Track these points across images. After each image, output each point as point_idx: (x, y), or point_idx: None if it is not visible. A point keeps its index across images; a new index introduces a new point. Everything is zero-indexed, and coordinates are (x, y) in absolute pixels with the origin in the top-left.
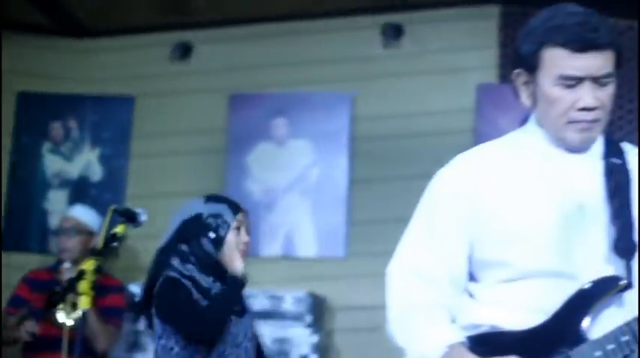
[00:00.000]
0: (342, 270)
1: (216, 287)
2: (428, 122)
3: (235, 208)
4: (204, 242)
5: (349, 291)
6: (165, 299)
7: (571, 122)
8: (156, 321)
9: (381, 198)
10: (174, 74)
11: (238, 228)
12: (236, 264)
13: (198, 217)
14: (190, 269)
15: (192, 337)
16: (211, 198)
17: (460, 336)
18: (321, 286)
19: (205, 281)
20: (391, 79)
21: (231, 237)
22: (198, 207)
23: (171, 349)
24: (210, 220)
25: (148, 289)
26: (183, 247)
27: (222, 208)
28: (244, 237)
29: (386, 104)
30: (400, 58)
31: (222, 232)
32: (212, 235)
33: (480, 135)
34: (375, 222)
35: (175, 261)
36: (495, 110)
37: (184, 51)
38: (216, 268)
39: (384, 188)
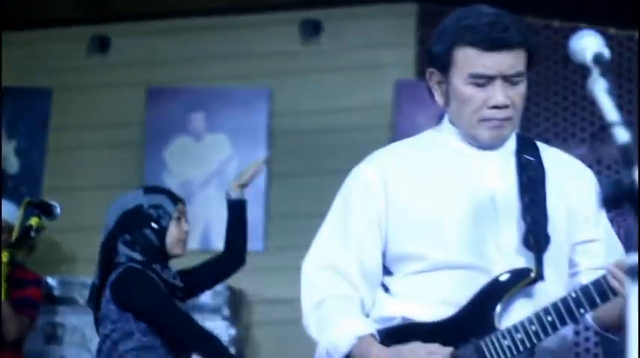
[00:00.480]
0: (260, 264)
1: (165, 274)
2: (346, 118)
3: (175, 198)
4: (147, 233)
5: (267, 285)
6: (131, 288)
7: (482, 120)
8: (111, 308)
9: (299, 193)
10: (92, 67)
11: (179, 218)
12: (177, 253)
13: (138, 208)
14: (137, 256)
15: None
16: (150, 189)
17: (371, 328)
18: (239, 279)
19: (155, 268)
20: (309, 74)
21: (172, 227)
22: (138, 198)
23: (132, 333)
24: (152, 211)
25: (100, 282)
26: (127, 237)
27: (162, 199)
28: (185, 226)
29: (304, 100)
30: (318, 54)
31: (164, 223)
32: (155, 226)
33: (397, 131)
34: (293, 216)
35: (123, 248)
36: (413, 106)
37: (102, 44)
38: (161, 256)
39: (301, 183)
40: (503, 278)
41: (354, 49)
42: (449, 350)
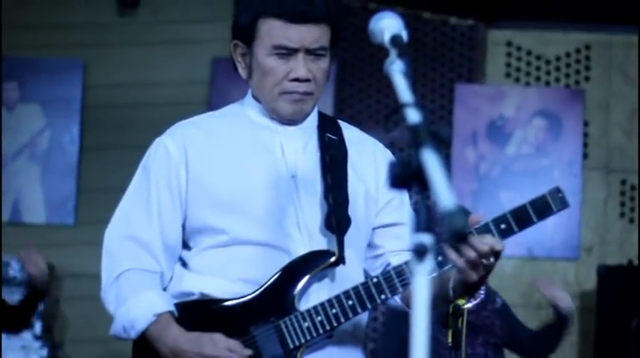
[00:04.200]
0: (71, 238)
1: None
2: (162, 93)
3: None
4: None
5: (77, 259)
6: None
7: (283, 93)
8: None
9: (112, 167)
10: None
11: None
12: None
13: None
14: None
15: None
16: None
17: (169, 305)
18: (50, 253)
19: None
20: (126, 47)
21: None
22: None
23: None
24: None
25: None
26: None
27: None
28: None
29: (119, 72)
30: (135, 27)
31: None
32: None
33: (213, 108)
34: (106, 190)
35: None
36: (229, 83)
37: None
38: None
39: (114, 156)
40: (305, 259)
41: (172, 24)
42: (248, 352)
